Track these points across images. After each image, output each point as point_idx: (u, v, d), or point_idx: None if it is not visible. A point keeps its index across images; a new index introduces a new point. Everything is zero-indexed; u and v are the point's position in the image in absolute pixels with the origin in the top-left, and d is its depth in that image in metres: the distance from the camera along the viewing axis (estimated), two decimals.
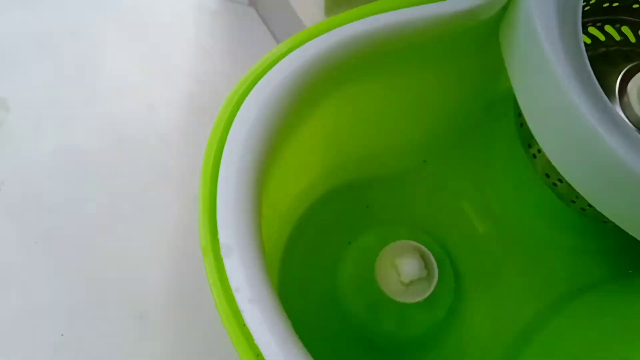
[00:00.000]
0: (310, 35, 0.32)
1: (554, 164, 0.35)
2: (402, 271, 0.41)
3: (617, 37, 0.46)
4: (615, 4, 0.46)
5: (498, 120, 0.51)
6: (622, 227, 0.34)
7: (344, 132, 0.42)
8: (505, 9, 0.36)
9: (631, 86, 0.41)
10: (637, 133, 0.31)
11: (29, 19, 0.59)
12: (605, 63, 0.45)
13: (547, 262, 0.46)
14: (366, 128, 0.43)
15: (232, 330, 0.26)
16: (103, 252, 0.50)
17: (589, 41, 0.46)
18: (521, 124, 0.42)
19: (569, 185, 0.35)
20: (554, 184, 0.41)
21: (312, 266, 0.45)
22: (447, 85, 0.45)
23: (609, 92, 0.42)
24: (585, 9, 0.46)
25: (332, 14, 0.48)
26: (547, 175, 0.41)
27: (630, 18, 0.47)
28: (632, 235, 0.34)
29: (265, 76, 0.31)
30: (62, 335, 0.46)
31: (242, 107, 0.30)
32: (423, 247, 0.44)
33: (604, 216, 0.35)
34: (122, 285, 0.49)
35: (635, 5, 0.46)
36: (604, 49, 0.46)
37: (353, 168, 0.47)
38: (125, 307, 0.48)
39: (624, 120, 0.32)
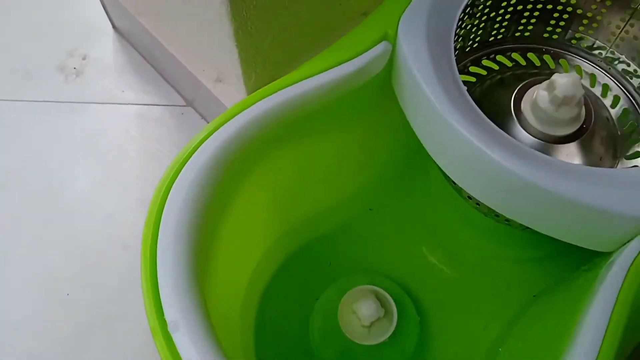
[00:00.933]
0: (226, 118, 0.36)
1: (461, 186, 0.39)
2: (361, 315, 0.43)
3: (509, 64, 0.52)
4: (500, 36, 0.52)
5: (428, 162, 0.55)
6: (536, 229, 0.37)
7: (282, 199, 0.45)
8: (390, 63, 0.41)
9: (524, 103, 0.46)
10: (517, 143, 0.35)
11: None
12: (501, 88, 0.50)
13: (499, 277, 0.48)
14: (302, 190, 0.47)
15: None
16: None
17: (484, 72, 0.51)
18: None
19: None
20: (477, 204, 0.44)
21: (285, 326, 0.47)
22: (369, 136, 0.49)
23: (506, 112, 0.46)
24: (474, 46, 0.51)
25: None
26: (470, 198, 0.45)
27: (516, 45, 0.52)
28: (546, 233, 0.37)
29: (190, 160, 0.35)
30: None
31: (170, 193, 0.33)
32: (378, 289, 0.46)
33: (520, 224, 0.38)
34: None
35: (517, 33, 0.52)
36: (499, 77, 0.51)
37: (303, 229, 0.51)
38: None
39: (507, 136, 0.36)
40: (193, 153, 0.36)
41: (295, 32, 0.51)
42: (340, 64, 0.38)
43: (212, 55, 0.53)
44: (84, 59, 0.69)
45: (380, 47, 0.39)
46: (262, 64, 0.51)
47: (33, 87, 0.68)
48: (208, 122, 0.64)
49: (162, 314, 0.30)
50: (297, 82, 0.38)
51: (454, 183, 0.46)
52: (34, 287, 0.56)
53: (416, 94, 0.38)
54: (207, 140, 0.36)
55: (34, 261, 0.57)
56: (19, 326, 0.54)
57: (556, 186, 0.33)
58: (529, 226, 0.37)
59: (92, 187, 0.61)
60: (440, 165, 0.40)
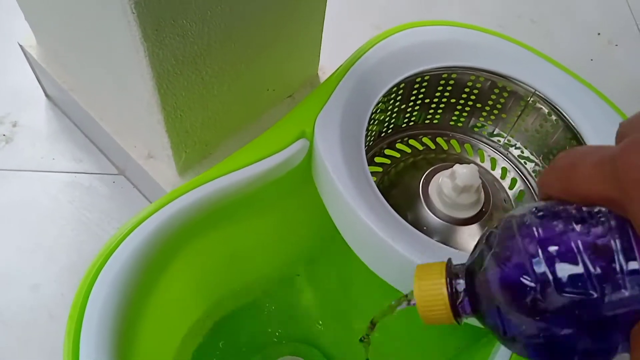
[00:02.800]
0: (154, 209, 0.39)
1: (372, 269, 0.43)
2: None
3: (420, 147, 0.57)
4: (412, 123, 0.57)
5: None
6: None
7: (209, 275, 0.48)
8: (309, 157, 0.45)
9: (431, 188, 0.51)
10: (417, 234, 0.40)
11: None
12: (413, 170, 0.55)
13: (420, 341, 0.52)
14: (229, 266, 0.49)
15: None
16: None
17: (398, 155, 0.56)
18: None
19: None
20: None
21: None
22: (293, 214, 0.52)
23: (416, 196, 0.51)
24: (388, 131, 0.57)
25: (184, 175, 0.56)
26: None
27: (426, 131, 0.58)
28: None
29: (115, 253, 0.37)
30: None
31: (93, 289, 0.35)
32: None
33: None
34: None
35: (427, 121, 0.58)
36: (411, 159, 0.56)
37: (229, 300, 0.53)
38: None
39: (408, 226, 0.41)
40: (125, 238, 0.38)
41: (225, 116, 0.55)
42: (263, 158, 0.41)
43: (144, 134, 0.55)
44: (14, 125, 0.70)
45: (299, 144, 0.42)
46: (192, 145, 0.54)
47: None
48: (140, 191, 0.66)
49: None
50: (225, 174, 0.41)
51: None
52: None
53: (330, 187, 0.42)
54: (138, 227, 0.38)
55: None
56: None
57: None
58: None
59: (18, 256, 0.61)
60: (348, 242, 0.44)
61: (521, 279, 0.22)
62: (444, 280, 0.27)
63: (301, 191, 0.49)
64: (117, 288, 0.36)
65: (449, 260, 0.29)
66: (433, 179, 0.51)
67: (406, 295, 0.31)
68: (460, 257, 0.28)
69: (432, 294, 0.28)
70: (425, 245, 0.39)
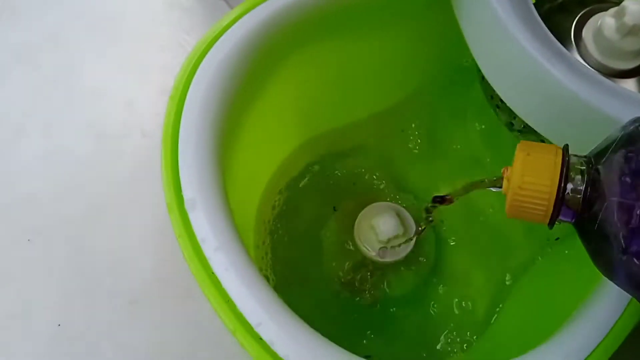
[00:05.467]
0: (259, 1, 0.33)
1: (514, 110, 0.36)
2: (379, 230, 0.42)
3: None
4: None
5: (470, 83, 0.52)
6: None
7: (312, 100, 0.43)
8: None
9: (586, 31, 0.42)
10: (578, 61, 0.32)
11: (7, 30, 0.60)
12: (562, 12, 0.46)
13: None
14: (334, 95, 0.44)
15: (201, 278, 0.27)
16: (94, 245, 0.51)
17: None
18: (482, 77, 0.43)
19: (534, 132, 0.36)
20: (518, 132, 0.42)
21: (299, 228, 0.46)
22: (411, 47, 0.46)
23: (566, 39, 0.42)
24: None
25: None
26: (512, 124, 0.42)
27: None
28: None
29: (218, 42, 0.32)
30: (58, 325, 0.47)
31: (197, 72, 0.31)
32: (400, 207, 0.45)
33: None
34: (112, 274, 0.50)
35: None
36: (560, 0, 0.47)
37: (329, 139, 0.49)
38: (117, 294, 0.49)
39: (574, 58, 0.33)
40: (224, 32, 0.33)
41: None
42: None
43: None
44: None
45: None
46: None
47: None
48: None
49: (180, 190, 0.29)
50: None
51: (498, 107, 0.44)
52: (45, 163, 0.54)
53: (479, 3, 0.34)
54: (239, 21, 0.33)
55: (48, 139, 0.56)
56: (26, 201, 0.53)
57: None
58: None
59: (113, 71, 0.59)
60: (486, 75, 0.37)
61: None
62: (558, 169, 0.21)
63: (428, 15, 0.42)
64: (220, 78, 0.32)
65: (566, 146, 0.23)
66: (590, 20, 0.42)
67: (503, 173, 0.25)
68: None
69: (536, 181, 0.22)
70: (589, 76, 0.32)
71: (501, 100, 0.43)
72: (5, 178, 0.54)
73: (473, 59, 0.49)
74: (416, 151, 0.51)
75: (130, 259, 0.51)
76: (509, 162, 0.49)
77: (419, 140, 0.51)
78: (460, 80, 0.50)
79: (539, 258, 0.43)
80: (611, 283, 0.22)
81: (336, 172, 0.50)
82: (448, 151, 0.50)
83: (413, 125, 0.51)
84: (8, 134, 0.56)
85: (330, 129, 0.48)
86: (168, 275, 0.50)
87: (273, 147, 0.45)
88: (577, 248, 0.43)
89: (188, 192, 0.29)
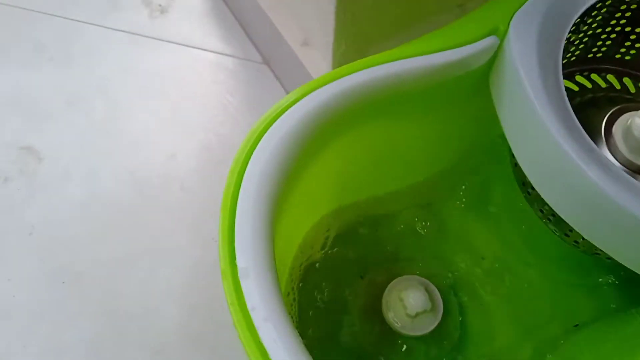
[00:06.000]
0: (317, 85, 0.36)
1: (545, 199, 0.38)
2: (408, 304, 0.43)
3: (603, 85, 0.50)
4: (599, 55, 0.50)
5: (497, 161, 0.54)
6: (613, 256, 0.36)
7: (351, 172, 0.45)
8: (493, 59, 0.40)
9: (616, 128, 0.44)
10: (615, 166, 0.34)
11: (61, 77, 0.64)
12: (592, 108, 0.49)
13: (547, 296, 0.48)
14: (372, 169, 0.46)
15: (248, 346, 0.29)
16: (125, 291, 0.53)
17: (576, 88, 0.50)
18: (515, 163, 0.45)
19: (561, 220, 0.38)
20: (548, 219, 0.44)
21: (326, 296, 0.47)
22: (447, 128, 0.48)
23: (595, 134, 0.45)
24: (571, 59, 0.50)
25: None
26: (542, 211, 0.44)
27: (614, 67, 0.51)
28: (623, 263, 0.36)
29: (277, 121, 0.35)
30: None
31: (257, 148, 0.33)
32: (428, 282, 0.46)
33: (596, 247, 0.37)
34: (140, 321, 0.51)
35: (618, 55, 0.50)
36: (590, 95, 0.50)
37: (363, 206, 0.51)
38: (144, 342, 0.50)
39: (606, 157, 0.35)
40: (281, 114, 0.35)
41: (392, 9, 0.51)
42: (445, 49, 0.37)
43: (305, 17, 0.52)
44: None
45: (488, 41, 0.38)
46: (353, 35, 0.50)
47: (117, 16, 0.68)
48: (282, 83, 0.64)
49: (235, 259, 0.30)
50: (396, 59, 0.38)
51: (529, 193, 0.46)
52: (87, 208, 0.57)
53: (517, 94, 0.37)
54: (296, 104, 0.36)
55: (91, 184, 0.58)
56: (65, 244, 0.55)
57: None
58: (606, 252, 0.36)
59: (157, 123, 0.62)
60: (524, 168, 0.39)
61: None
62: None
63: (467, 101, 0.45)
64: (276, 159, 0.34)
65: None
66: (620, 119, 0.45)
67: None
68: None
69: None
70: (624, 180, 0.34)
71: (532, 188, 0.45)
72: (48, 220, 0.56)
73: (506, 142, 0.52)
74: (446, 224, 0.53)
75: (159, 308, 0.52)
76: (537, 247, 0.51)
77: (449, 214, 0.53)
78: (493, 160, 0.53)
79: (563, 345, 0.44)
80: None
81: (367, 238, 0.52)
82: (477, 229, 0.52)
83: (444, 198, 0.53)
84: (55, 177, 0.58)
85: (364, 197, 0.50)
86: (194, 330, 0.52)
87: (310, 211, 0.47)
88: (595, 340, 0.44)
89: (242, 262, 0.30)
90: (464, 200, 0.54)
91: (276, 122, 0.35)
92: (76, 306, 0.52)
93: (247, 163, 0.33)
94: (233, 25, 0.68)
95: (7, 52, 0.66)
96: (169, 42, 0.67)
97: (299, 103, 0.35)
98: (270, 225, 0.32)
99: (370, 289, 0.48)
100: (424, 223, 0.53)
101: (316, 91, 0.36)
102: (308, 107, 0.35)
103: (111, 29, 0.67)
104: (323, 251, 0.50)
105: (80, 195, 0.58)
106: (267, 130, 0.34)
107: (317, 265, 0.48)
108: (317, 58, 0.54)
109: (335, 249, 0.51)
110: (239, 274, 0.30)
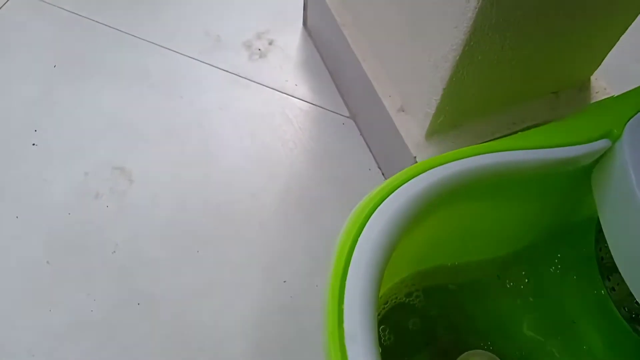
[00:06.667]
0: (426, 167, 0.38)
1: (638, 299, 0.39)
2: None
3: None
4: None
5: (572, 249, 0.55)
6: None
7: (439, 241, 0.46)
8: (599, 158, 0.41)
9: None
10: None
11: (162, 105, 0.68)
12: None
13: None
14: (460, 238, 0.48)
15: None
16: (196, 321, 0.55)
17: None
18: (601, 257, 0.46)
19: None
20: (632, 317, 0.44)
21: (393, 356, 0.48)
22: (533, 212, 0.49)
23: None
24: None
25: (431, 138, 0.55)
26: (625, 309, 0.44)
27: None
28: None
29: (384, 202, 0.36)
30: None
31: (368, 222, 0.35)
32: (494, 356, 0.46)
33: None
34: (208, 353, 0.53)
35: None
36: None
37: (437, 274, 0.52)
38: None
39: None
40: (384, 199, 0.37)
41: (493, 92, 0.53)
42: (559, 146, 0.39)
43: (408, 87, 0.55)
44: (270, 43, 0.73)
45: (601, 143, 0.39)
46: (452, 110, 0.52)
47: (219, 55, 0.72)
48: (365, 139, 0.67)
49: (342, 323, 0.32)
50: (508, 149, 0.39)
51: (613, 289, 0.46)
52: (170, 234, 0.59)
53: (624, 196, 0.38)
54: (407, 184, 0.38)
55: (177, 211, 0.61)
56: (147, 265, 0.57)
57: None
58: None
59: (244, 161, 0.65)
60: (620, 265, 0.39)
61: None
62: None
63: (568, 193, 0.46)
64: (378, 243, 0.35)
65: None
66: None
67: None
68: None
69: None
70: None
71: (617, 284, 0.45)
72: (132, 241, 0.59)
73: (580, 225, 0.52)
74: (519, 301, 0.53)
75: (227, 342, 0.54)
76: (613, 345, 0.51)
77: (524, 291, 0.54)
78: (573, 244, 0.53)
79: None
80: None
81: (436, 305, 0.53)
82: (549, 306, 0.52)
83: (522, 275, 0.54)
84: (144, 199, 0.61)
85: (439, 264, 0.51)
86: None
87: (391, 274, 0.48)
88: None
89: (350, 326, 0.32)
90: (532, 278, 0.54)
91: (382, 203, 0.36)
92: (148, 329, 0.54)
93: (358, 236, 0.35)
94: (325, 78, 0.71)
95: (114, 75, 0.70)
96: (264, 85, 0.70)
97: (408, 183, 0.37)
98: (377, 292, 0.34)
99: (437, 356, 0.48)
100: (492, 297, 0.53)
101: (425, 173, 0.38)
102: (416, 188, 0.37)
103: (212, 66, 0.71)
104: (395, 311, 0.50)
105: (165, 221, 0.60)
106: (382, 201, 0.36)
107: (387, 324, 0.49)
108: (412, 125, 0.56)
109: (406, 310, 0.51)
110: (345, 338, 0.31)
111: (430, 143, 0.55)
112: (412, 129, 0.56)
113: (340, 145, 0.67)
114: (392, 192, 0.37)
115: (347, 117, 0.69)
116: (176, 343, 0.54)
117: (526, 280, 0.54)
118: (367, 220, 0.35)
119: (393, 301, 0.50)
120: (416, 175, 0.37)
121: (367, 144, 0.67)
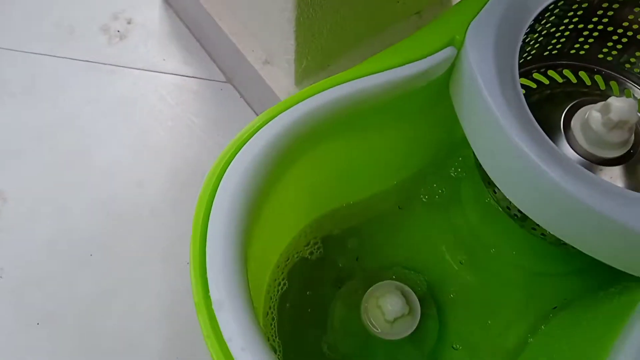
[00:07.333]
0: (284, 107, 0.36)
1: (508, 198, 0.39)
2: (386, 310, 0.43)
3: (560, 80, 0.51)
4: (555, 52, 0.51)
5: (462, 164, 0.55)
6: (577, 247, 0.37)
7: (321, 186, 0.45)
8: (451, 67, 0.41)
9: (574, 122, 0.46)
10: (574, 163, 0.35)
11: (25, 113, 0.63)
12: (550, 103, 0.50)
13: (521, 287, 0.49)
14: (341, 181, 0.47)
15: None
16: (104, 327, 0.52)
17: (534, 85, 0.51)
18: (479, 165, 0.46)
19: (526, 216, 0.38)
20: (515, 215, 0.44)
21: (305, 308, 0.47)
22: (414, 135, 0.49)
23: (555, 129, 0.46)
24: (528, 58, 0.51)
25: (301, 85, 0.53)
26: (508, 208, 0.45)
27: (569, 62, 0.52)
28: (588, 254, 0.37)
29: (244, 147, 0.35)
30: None
31: (225, 175, 0.33)
32: (404, 286, 0.46)
33: (560, 239, 0.38)
34: (123, 356, 0.51)
35: (572, 51, 0.51)
36: (548, 91, 0.51)
37: (335, 218, 0.51)
38: None
39: (563, 154, 0.36)
40: (249, 139, 0.36)
41: (351, 24, 0.51)
42: (406, 64, 0.38)
43: (266, 37, 0.53)
44: (129, 22, 0.69)
45: (447, 52, 0.38)
46: (314, 52, 0.51)
47: (75, 45, 0.67)
48: (247, 101, 0.64)
49: (208, 291, 0.30)
50: (359, 77, 0.38)
51: (494, 192, 0.46)
52: (58, 245, 0.56)
53: (477, 101, 0.37)
54: (264, 128, 0.36)
55: (61, 220, 0.57)
56: (39, 282, 0.54)
57: (605, 207, 0.33)
58: (571, 244, 0.37)
59: (123, 152, 0.61)
60: (487, 170, 0.39)
61: None
62: None
63: (431, 108, 0.45)
64: (243, 185, 0.34)
65: None
66: (578, 112, 0.46)
67: None
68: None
69: None
70: (581, 175, 0.34)
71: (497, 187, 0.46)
72: (17, 261, 0.55)
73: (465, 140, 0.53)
74: (417, 229, 0.53)
75: (140, 341, 0.52)
76: (507, 240, 0.52)
77: (420, 218, 0.54)
78: (459, 161, 0.54)
79: (542, 327, 0.46)
80: None
81: (340, 249, 0.52)
82: (447, 228, 0.53)
83: (413, 203, 0.54)
84: (19, 217, 0.57)
85: (334, 208, 0.51)
86: (178, 355, 0.51)
87: (283, 228, 0.47)
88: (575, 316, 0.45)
89: (215, 294, 0.30)
90: (433, 201, 0.55)
91: (243, 148, 0.35)
92: (52, 348, 0.51)
93: (215, 191, 0.33)
94: (194, 47, 0.68)
95: None
96: (130, 67, 0.66)
97: (265, 127, 0.35)
98: (242, 252, 0.32)
99: (349, 298, 0.48)
100: (396, 229, 0.53)
101: (283, 113, 0.36)
102: (275, 130, 0.35)
103: (69, 58, 0.66)
104: (298, 266, 0.50)
105: (49, 234, 0.56)
106: (234, 156, 0.34)
107: (293, 280, 0.48)
108: (280, 75, 0.54)
109: (310, 263, 0.51)
110: (213, 306, 0.30)
111: (302, 89, 0.53)
112: (280, 79, 0.54)
113: (222, 112, 0.64)
114: (247, 141, 0.35)
115: (224, 81, 0.66)
116: (86, 354, 0.51)
117: (423, 205, 0.55)
118: (220, 180, 0.33)
119: (295, 256, 0.49)
120: (271, 119, 0.36)
121: (248, 104, 0.64)
